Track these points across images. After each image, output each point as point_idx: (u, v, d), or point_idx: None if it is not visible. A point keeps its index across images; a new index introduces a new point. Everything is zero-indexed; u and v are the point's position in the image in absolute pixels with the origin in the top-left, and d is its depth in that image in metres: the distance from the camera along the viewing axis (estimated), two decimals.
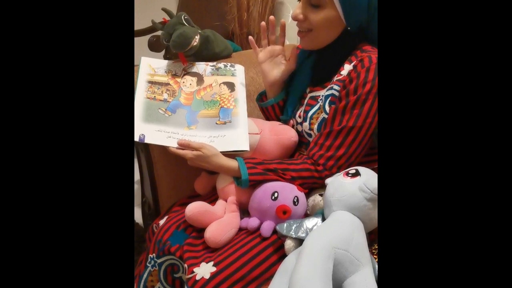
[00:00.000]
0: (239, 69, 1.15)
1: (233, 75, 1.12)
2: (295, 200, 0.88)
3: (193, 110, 1.03)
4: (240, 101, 1.06)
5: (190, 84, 1.08)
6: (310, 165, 0.91)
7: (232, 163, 0.92)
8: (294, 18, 0.93)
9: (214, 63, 1.14)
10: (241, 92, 1.08)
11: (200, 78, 1.09)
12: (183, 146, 0.93)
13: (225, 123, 1.01)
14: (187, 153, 0.92)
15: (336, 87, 0.93)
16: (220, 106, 1.04)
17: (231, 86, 1.09)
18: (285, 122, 1.05)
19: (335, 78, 0.95)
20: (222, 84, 1.09)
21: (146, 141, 0.94)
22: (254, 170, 0.90)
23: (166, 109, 1.01)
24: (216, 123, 1.01)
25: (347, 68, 0.93)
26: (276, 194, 0.87)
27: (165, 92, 1.04)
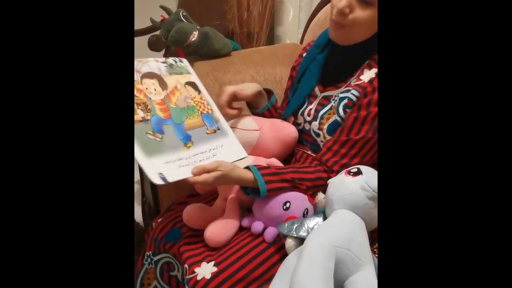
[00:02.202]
0: (187, 64, 1.00)
1: (188, 72, 0.98)
2: (305, 213, 0.86)
3: (177, 123, 0.89)
4: (211, 103, 0.96)
5: (155, 89, 0.91)
6: (323, 173, 0.90)
7: (249, 175, 0.86)
8: (340, 12, 0.86)
9: (163, 58, 0.98)
10: (205, 91, 0.97)
11: (160, 80, 0.93)
12: (199, 173, 0.82)
13: (215, 131, 0.92)
14: (208, 178, 0.81)
15: (355, 92, 0.90)
16: (200, 112, 0.94)
17: (194, 86, 0.97)
18: (285, 119, 1.04)
19: (353, 82, 0.92)
20: (186, 85, 0.95)
21: (170, 180, 0.80)
22: (272, 185, 0.85)
23: (153, 132, 0.86)
24: (207, 133, 0.91)
25: (368, 74, 0.90)
26: (288, 204, 0.85)
27: (138, 108, 0.85)
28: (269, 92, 1.08)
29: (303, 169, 0.90)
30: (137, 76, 0.88)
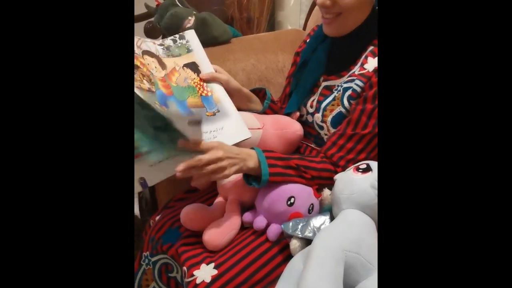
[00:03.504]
0: (191, 37, 0.94)
1: (188, 50, 0.93)
2: (310, 208, 0.82)
3: (179, 99, 0.87)
4: (212, 83, 0.91)
5: (156, 67, 0.88)
6: (330, 165, 0.85)
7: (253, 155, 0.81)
8: (321, 5, 0.84)
9: (160, 41, 0.93)
10: (207, 67, 0.91)
11: (159, 61, 0.90)
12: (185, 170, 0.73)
13: (214, 114, 0.89)
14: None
15: (359, 82, 0.86)
16: (199, 94, 0.90)
17: (194, 67, 0.92)
18: (289, 114, 0.99)
19: (358, 71, 0.87)
20: (185, 67, 0.92)
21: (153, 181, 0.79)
22: (276, 170, 0.80)
23: (160, 104, 0.83)
24: (207, 115, 0.88)
25: (372, 63, 0.85)
26: (292, 200, 0.81)
27: (144, 79, 0.83)
28: (260, 90, 1.02)
29: (309, 157, 0.87)
30: (138, 51, 0.85)
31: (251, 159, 0.80)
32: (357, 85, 0.86)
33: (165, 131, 0.74)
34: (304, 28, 1.48)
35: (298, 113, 0.97)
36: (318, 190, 0.84)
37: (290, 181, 0.82)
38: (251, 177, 0.82)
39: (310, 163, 0.85)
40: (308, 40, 1.03)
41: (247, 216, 0.84)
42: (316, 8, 1.40)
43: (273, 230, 0.80)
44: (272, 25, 2.13)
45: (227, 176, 0.77)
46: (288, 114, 0.99)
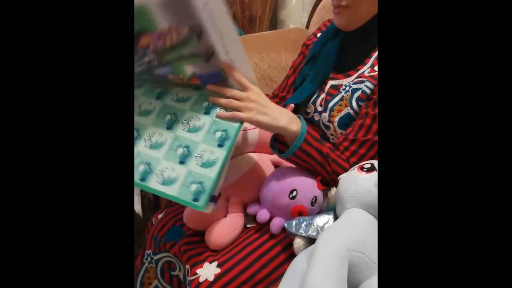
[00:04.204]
0: None
1: None
2: (313, 201, 0.81)
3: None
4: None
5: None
6: (349, 167, 0.84)
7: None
8: None
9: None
10: None
11: None
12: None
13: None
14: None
15: (369, 84, 0.85)
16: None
17: None
18: (285, 106, 0.97)
19: (368, 73, 0.87)
20: None
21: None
22: (306, 147, 0.78)
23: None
24: None
25: None
26: (294, 193, 0.80)
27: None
28: None
29: (338, 152, 0.85)
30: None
31: (295, 123, 0.78)
32: (367, 87, 0.85)
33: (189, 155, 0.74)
34: (307, 27, 1.47)
35: (292, 105, 0.96)
36: (322, 181, 0.84)
37: (310, 165, 0.81)
38: (276, 142, 0.81)
39: (337, 158, 0.83)
40: (319, 34, 1.02)
41: (252, 208, 0.84)
42: (319, 7, 1.40)
43: (276, 224, 0.80)
44: (274, 23, 2.13)
45: (249, 119, 0.75)
46: (285, 106, 0.98)
